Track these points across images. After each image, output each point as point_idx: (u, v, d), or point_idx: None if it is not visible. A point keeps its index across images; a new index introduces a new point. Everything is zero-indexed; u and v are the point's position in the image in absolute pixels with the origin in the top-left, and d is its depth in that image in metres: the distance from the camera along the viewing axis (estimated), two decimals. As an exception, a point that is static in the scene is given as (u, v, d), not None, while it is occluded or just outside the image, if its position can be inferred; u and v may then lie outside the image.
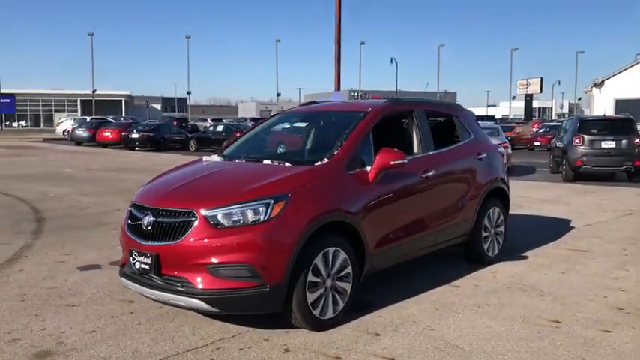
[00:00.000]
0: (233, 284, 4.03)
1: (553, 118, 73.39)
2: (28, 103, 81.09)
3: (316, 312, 4.32)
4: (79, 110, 78.21)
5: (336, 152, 4.77)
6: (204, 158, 5.48)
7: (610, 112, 29.39)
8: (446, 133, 6.23)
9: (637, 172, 14.91)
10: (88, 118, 41.96)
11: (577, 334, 4.31)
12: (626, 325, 4.51)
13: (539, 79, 62.10)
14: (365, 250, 4.70)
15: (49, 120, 77.41)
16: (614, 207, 10.50)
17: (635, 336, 4.28)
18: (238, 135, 6.82)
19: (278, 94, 78.55)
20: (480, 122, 26.14)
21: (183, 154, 25.59)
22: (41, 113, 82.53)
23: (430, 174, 5.44)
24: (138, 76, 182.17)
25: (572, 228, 8.49)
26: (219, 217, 4.08)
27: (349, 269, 4.55)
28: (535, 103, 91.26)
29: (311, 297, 4.27)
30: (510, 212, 9.69)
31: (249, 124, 27.03)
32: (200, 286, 4.05)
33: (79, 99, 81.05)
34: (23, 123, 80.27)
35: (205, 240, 4.05)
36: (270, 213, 4.10)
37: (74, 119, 44.06)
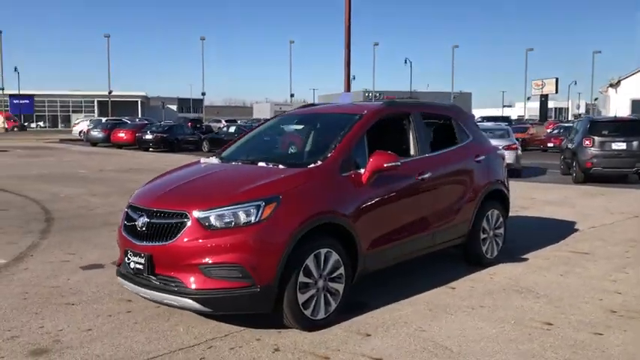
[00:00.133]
0: (224, 284, 4.10)
1: (569, 118, 72.71)
2: (46, 104, 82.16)
3: (307, 312, 4.37)
4: (96, 111, 79.10)
5: (329, 154, 4.82)
6: (202, 160, 5.57)
7: (626, 112, 29.09)
8: (444, 135, 6.25)
9: (648, 173, 14.78)
10: (104, 119, 42.41)
11: (567, 337, 4.31)
12: (618, 327, 4.51)
13: (554, 80, 61.65)
14: (358, 251, 4.74)
15: (67, 121, 78.31)
16: (622, 209, 10.42)
17: (625, 339, 4.28)
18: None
19: (291, 95, 78.91)
20: (491, 123, 26.05)
21: (195, 155, 25.76)
22: (59, 114, 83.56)
23: (426, 176, 5.47)
24: (155, 77, 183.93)
25: (576, 230, 8.45)
26: (211, 219, 4.15)
27: (341, 270, 4.60)
28: (551, 104, 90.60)
29: (302, 297, 4.33)
30: (514, 214, 9.74)
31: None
32: (192, 286, 4.12)
33: (96, 100, 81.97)
34: (41, 124, 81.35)
35: (197, 241, 4.13)
36: (261, 215, 4.17)
37: (90, 120, 44.52)
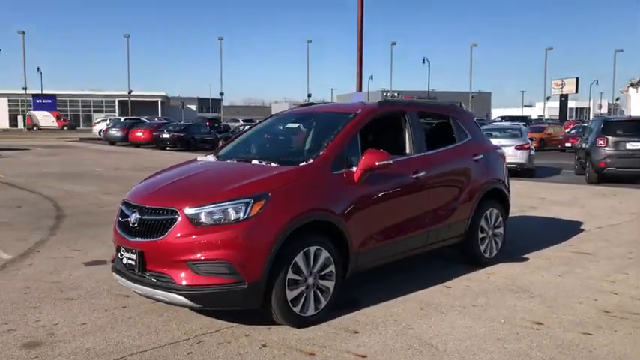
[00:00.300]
0: (212, 280, 4.17)
1: (591, 118, 71.75)
2: (68, 103, 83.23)
3: (296, 309, 4.42)
4: (116, 110, 79.98)
5: (321, 153, 4.86)
6: (199, 158, 5.65)
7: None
8: (441, 134, 6.24)
9: (664, 174, 14.55)
10: (122, 119, 42.93)
11: (556, 336, 4.30)
12: (609, 328, 4.48)
13: (574, 79, 60.86)
14: (349, 249, 4.77)
15: (88, 120, 79.21)
16: (631, 210, 10.30)
17: (614, 339, 4.26)
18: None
19: (309, 95, 78.94)
20: (508, 123, 25.94)
21: (211, 154, 25.95)
22: (80, 113, 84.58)
23: (421, 175, 5.47)
24: (176, 77, 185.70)
25: (582, 230, 8.38)
26: (200, 216, 4.22)
27: (332, 268, 4.64)
28: (572, 104, 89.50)
29: (291, 294, 4.37)
30: (521, 214, 9.71)
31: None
32: (181, 282, 4.19)
33: (116, 100, 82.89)
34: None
35: (186, 237, 4.19)
36: (250, 212, 4.22)
37: (109, 119, 45.09)
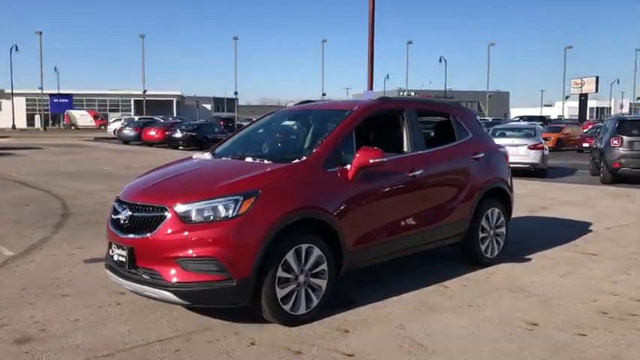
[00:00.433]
0: (201, 278, 4.15)
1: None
2: (85, 103, 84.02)
3: (287, 307, 4.38)
4: (132, 110, 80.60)
5: (314, 150, 4.83)
6: (194, 156, 5.64)
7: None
8: (441, 132, 6.17)
9: (680, 174, 14.28)
10: (136, 118, 43.23)
11: (549, 337, 4.22)
12: (605, 329, 4.39)
13: (594, 78, 60.09)
14: (342, 247, 4.72)
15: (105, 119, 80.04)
16: (642, 210, 10.12)
17: (608, 340, 4.17)
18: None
19: (323, 94, 78.76)
20: (526, 122, 25.75)
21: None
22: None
23: (418, 173, 5.41)
24: (192, 77, 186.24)
25: (590, 231, 8.24)
26: (189, 213, 4.21)
27: (324, 266, 4.59)
28: (593, 103, 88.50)
29: (281, 292, 4.34)
30: (530, 214, 9.59)
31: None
32: (170, 279, 4.18)
33: (132, 99, 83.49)
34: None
35: (175, 234, 4.18)
36: (239, 209, 4.20)
37: (123, 119, 45.45)
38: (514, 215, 8.87)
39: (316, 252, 4.53)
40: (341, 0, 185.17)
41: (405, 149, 5.56)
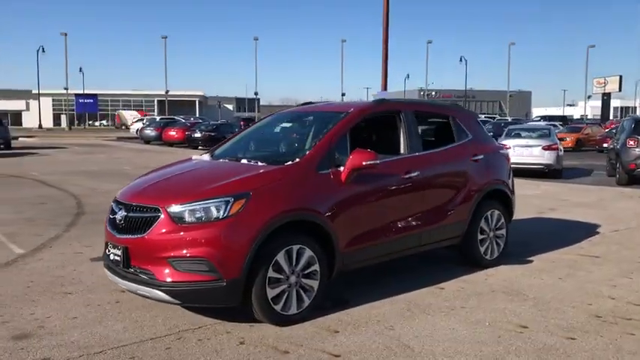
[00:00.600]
0: (192, 278, 4.24)
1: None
2: (109, 103, 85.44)
3: (278, 307, 4.45)
4: (155, 110, 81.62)
5: (307, 152, 4.88)
6: (194, 157, 5.74)
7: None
8: (440, 134, 6.18)
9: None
10: (157, 118, 43.71)
11: (537, 341, 4.22)
12: (595, 333, 4.37)
13: (617, 77, 59.02)
14: (334, 248, 4.77)
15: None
16: (655, 212, 9.97)
17: (597, 344, 4.15)
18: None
19: (342, 94, 78.86)
20: (544, 122, 25.46)
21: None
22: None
23: (413, 175, 5.43)
24: (214, 77, 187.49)
25: (597, 233, 8.16)
26: (180, 213, 4.30)
27: (316, 267, 4.65)
28: (617, 103, 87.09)
29: (272, 292, 4.41)
30: (539, 215, 9.53)
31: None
32: (163, 278, 4.28)
33: (155, 99, 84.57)
34: (104, 122, 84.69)
35: (168, 235, 4.28)
36: (229, 210, 4.28)
37: (145, 119, 45.99)
38: (521, 217, 8.88)
39: (308, 253, 4.58)
40: (360, 1, 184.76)
41: (402, 151, 5.59)
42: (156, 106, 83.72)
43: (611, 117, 61.62)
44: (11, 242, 7.48)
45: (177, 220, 4.29)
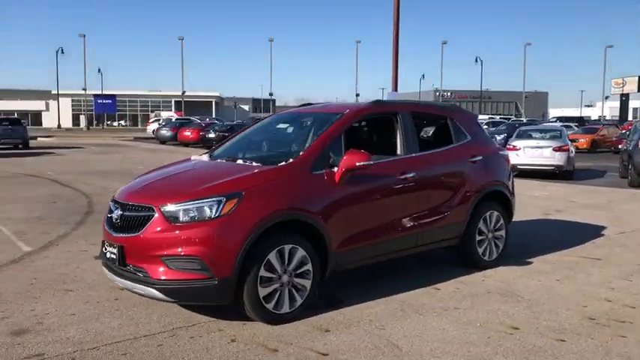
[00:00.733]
0: (185, 276, 4.31)
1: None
2: (127, 103, 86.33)
3: (270, 306, 4.50)
4: (172, 110, 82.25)
5: (301, 153, 4.94)
6: (193, 157, 5.82)
7: None
8: (438, 135, 6.19)
9: None
10: (173, 118, 44.06)
11: (526, 342, 4.23)
12: (586, 335, 4.36)
13: (636, 78, 58.18)
14: (327, 249, 4.82)
15: (147, 119, 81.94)
16: (664, 215, 9.86)
17: (587, 347, 4.15)
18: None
19: (357, 95, 78.93)
20: (559, 123, 25.18)
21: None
22: (139, 113, 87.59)
23: (409, 176, 5.45)
24: (231, 78, 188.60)
25: (602, 235, 8.10)
26: (173, 213, 4.38)
27: (309, 267, 4.70)
28: (637, 104, 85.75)
29: (263, 291, 4.46)
30: (544, 217, 9.48)
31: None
32: (156, 276, 4.36)
33: (173, 100, 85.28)
34: (123, 122, 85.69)
35: (161, 233, 4.36)
36: (221, 210, 4.34)
37: (162, 119, 46.39)
38: (525, 218, 8.86)
39: (300, 253, 4.64)
40: (376, 1, 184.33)
41: (398, 152, 5.61)
42: (173, 107, 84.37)
43: (630, 118, 60.84)
44: (20, 240, 7.64)
45: (170, 219, 4.37)
